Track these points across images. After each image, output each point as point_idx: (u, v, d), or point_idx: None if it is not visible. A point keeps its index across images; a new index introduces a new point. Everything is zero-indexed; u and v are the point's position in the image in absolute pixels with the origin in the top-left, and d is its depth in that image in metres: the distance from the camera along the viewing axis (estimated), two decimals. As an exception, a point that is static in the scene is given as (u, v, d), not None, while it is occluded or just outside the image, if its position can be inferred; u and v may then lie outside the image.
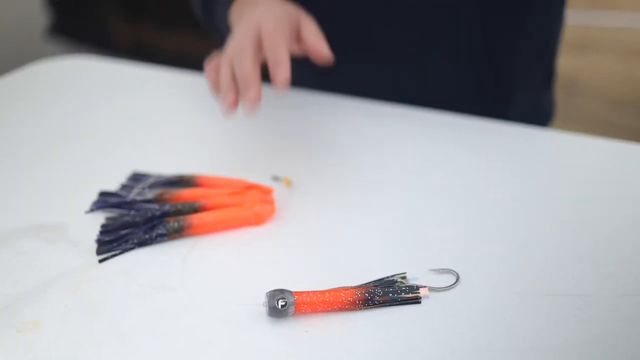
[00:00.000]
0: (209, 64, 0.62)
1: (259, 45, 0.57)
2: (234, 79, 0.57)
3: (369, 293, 0.46)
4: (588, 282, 0.47)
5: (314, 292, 0.45)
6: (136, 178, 0.62)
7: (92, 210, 0.57)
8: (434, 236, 0.54)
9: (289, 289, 0.45)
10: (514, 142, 0.69)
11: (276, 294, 0.45)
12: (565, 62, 3.40)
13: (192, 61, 1.17)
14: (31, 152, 0.70)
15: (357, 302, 0.46)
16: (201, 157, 0.67)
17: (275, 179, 0.62)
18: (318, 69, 0.69)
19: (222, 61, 0.59)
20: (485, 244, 0.52)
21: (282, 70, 0.55)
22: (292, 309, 0.45)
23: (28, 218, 0.57)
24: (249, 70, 0.55)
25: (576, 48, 3.81)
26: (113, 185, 0.62)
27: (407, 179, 0.63)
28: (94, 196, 0.60)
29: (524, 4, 0.77)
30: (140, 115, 0.79)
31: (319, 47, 0.59)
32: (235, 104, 0.56)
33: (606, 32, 4.09)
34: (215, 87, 0.61)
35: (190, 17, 1.04)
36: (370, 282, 0.48)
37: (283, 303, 0.44)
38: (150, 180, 0.61)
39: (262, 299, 0.46)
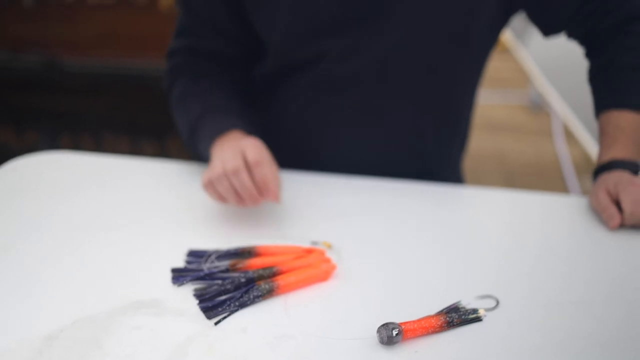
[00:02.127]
0: (205, 184, 0.77)
1: (248, 167, 0.75)
2: (236, 191, 0.75)
3: (450, 317, 0.60)
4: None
5: (414, 321, 0.59)
6: (195, 254, 0.71)
7: (181, 283, 0.65)
8: (458, 273, 0.70)
9: (391, 322, 0.58)
10: (461, 198, 0.89)
11: (389, 325, 0.57)
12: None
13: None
14: (81, 240, 0.75)
15: (443, 325, 0.60)
16: (236, 231, 0.77)
17: (315, 243, 0.74)
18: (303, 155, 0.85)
19: (215, 179, 0.75)
20: (495, 281, 0.70)
21: (270, 194, 0.75)
22: (401, 336, 0.57)
23: (120, 298, 0.63)
24: (248, 186, 0.74)
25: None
26: (170, 263, 0.69)
27: (412, 235, 0.79)
28: (162, 273, 0.67)
29: (460, 113, 1.00)
30: (154, 200, 0.86)
31: (276, 190, 0.76)
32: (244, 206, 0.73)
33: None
34: (221, 199, 0.77)
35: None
36: (444, 310, 0.62)
37: (397, 332, 0.57)
38: (213, 255, 0.70)
39: (370, 332, 0.58)
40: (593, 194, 0.87)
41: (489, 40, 0.96)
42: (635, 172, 0.86)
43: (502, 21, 0.95)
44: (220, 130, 0.85)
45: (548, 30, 0.98)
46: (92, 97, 5.82)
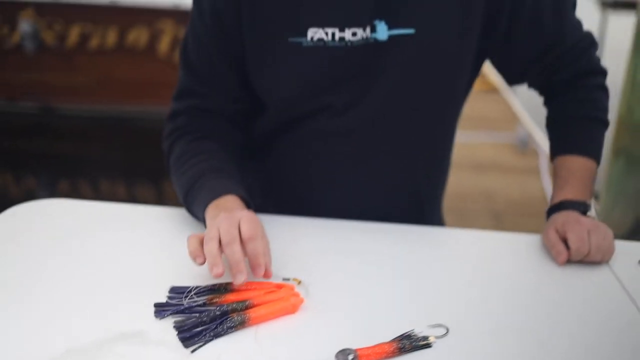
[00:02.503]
0: (192, 238, 0.81)
1: (242, 240, 0.79)
2: (219, 255, 0.77)
3: (402, 344, 0.68)
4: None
5: (368, 347, 0.66)
6: (177, 291, 0.78)
7: (163, 317, 0.73)
8: (416, 306, 0.78)
9: (348, 348, 0.66)
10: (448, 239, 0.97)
11: (346, 351, 0.65)
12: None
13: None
14: (74, 279, 0.82)
15: (395, 350, 0.67)
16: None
17: (286, 279, 0.82)
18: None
19: (207, 239, 0.79)
20: (449, 312, 0.77)
21: (259, 270, 0.79)
22: (357, 360, 0.65)
23: (109, 330, 0.71)
24: (240, 259, 0.77)
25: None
26: (155, 298, 0.77)
27: (379, 272, 0.87)
28: (144, 308, 0.75)
29: (444, 152, 1.11)
30: (142, 242, 0.94)
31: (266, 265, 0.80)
32: (221, 275, 0.76)
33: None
34: (194, 255, 0.79)
35: None
36: (397, 337, 0.70)
37: (352, 356, 0.65)
38: (192, 291, 0.77)
39: (331, 354, 0.66)
40: (544, 232, 0.95)
41: (467, 85, 1.07)
42: (584, 212, 0.95)
43: (476, 69, 1.06)
44: (215, 195, 0.90)
45: (511, 79, 1.09)
46: (89, 141, 5.95)
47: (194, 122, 1.02)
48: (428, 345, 0.69)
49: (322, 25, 0.94)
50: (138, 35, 5.82)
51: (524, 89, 1.13)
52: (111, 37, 5.89)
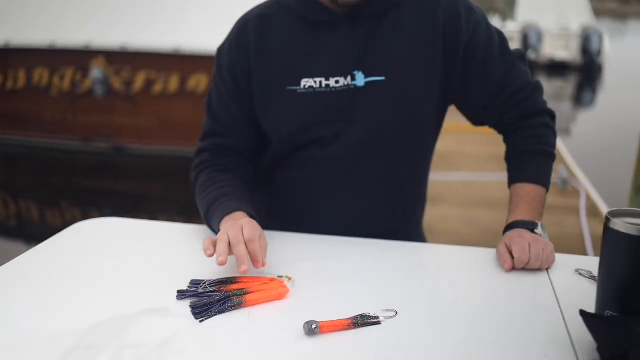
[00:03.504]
0: (207, 239, 1.06)
1: (245, 241, 1.04)
2: (227, 252, 1.02)
3: (356, 320, 0.90)
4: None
5: (329, 321, 0.89)
6: (195, 282, 1.03)
7: (183, 298, 0.97)
8: (377, 297, 0.99)
9: (314, 320, 0.88)
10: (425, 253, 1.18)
11: (311, 322, 0.87)
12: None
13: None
14: (121, 276, 1.08)
15: (350, 325, 0.89)
16: (228, 269, 1.09)
17: (280, 276, 1.05)
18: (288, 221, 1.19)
19: (219, 240, 1.04)
20: (402, 301, 0.99)
21: (257, 265, 1.03)
22: (318, 330, 0.87)
23: (141, 305, 0.96)
24: (244, 255, 1.02)
25: (428, 200, 4.57)
26: (178, 287, 1.01)
27: (353, 275, 1.09)
28: (170, 293, 0.99)
29: (418, 179, 1.34)
30: (174, 250, 1.20)
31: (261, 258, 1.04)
32: (223, 264, 1.00)
33: (450, 187, 4.94)
34: (206, 249, 1.04)
35: None
36: (354, 316, 0.92)
37: (315, 326, 0.87)
38: (206, 282, 1.02)
39: (301, 326, 0.88)
40: (497, 246, 1.16)
41: (436, 122, 1.31)
42: (532, 230, 1.15)
43: (442, 110, 1.30)
44: (228, 211, 1.16)
45: (471, 120, 1.31)
46: (151, 179, 6.36)
47: (216, 158, 1.30)
48: (378, 323, 0.91)
49: (312, 76, 1.20)
50: (198, 81, 6.26)
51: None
52: (173, 83, 6.34)
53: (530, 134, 1.25)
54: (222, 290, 1.00)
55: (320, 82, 1.20)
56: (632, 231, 0.83)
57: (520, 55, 1.28)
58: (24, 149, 6.84)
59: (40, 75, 6.62)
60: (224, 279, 1.03)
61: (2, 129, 6.80)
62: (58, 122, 6.70)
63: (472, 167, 5.36)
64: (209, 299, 0.96)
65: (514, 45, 11.14)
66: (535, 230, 1.15)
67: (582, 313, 0.83)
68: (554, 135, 1.28)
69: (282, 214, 1.33)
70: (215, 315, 0.94)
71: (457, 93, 1.27)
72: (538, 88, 1.27)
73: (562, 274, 1.09)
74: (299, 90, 1.21)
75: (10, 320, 0.93)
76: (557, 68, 15.43)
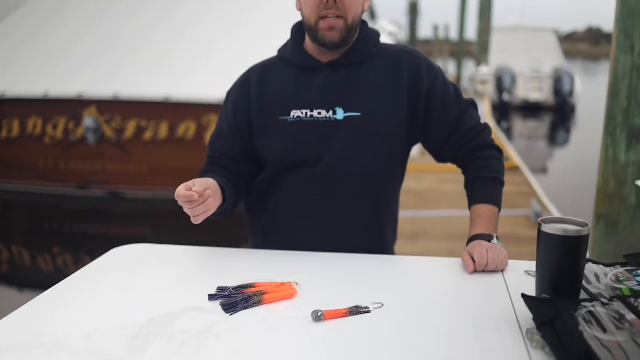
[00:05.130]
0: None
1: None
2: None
3: (351, 309, 1.16)
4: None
5: (331, 310, 1.14)
6: (221, 289, 1.28)
7: (214, 299, 1.23)
8: (369, 294, 1.25)
9: (319, 309, 1.14)
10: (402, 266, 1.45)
11: (317, 311, 1.13)
12: (404, 247, 4.38)
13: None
14: (163, 289, 1.33)
15: (347, 313, 1.15)
16: (250, 275, 1.34)
17: (289, 282, 1.31)
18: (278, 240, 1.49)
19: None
20: (387, 296, 1.25)
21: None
22: (323, 316, 1.13)
23: (178, 307, 1.21)
24: (183, 195, 1.32)
25: (410, 237, 4.86)
26: (208, 291, 1.26)
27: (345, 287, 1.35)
28: (202, 296, 1.24)
29: (388, 201, 1.60)
30: (204, 267, 1.45)
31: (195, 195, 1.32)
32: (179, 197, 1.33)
33: (432, 222, 5.22)
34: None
35: None
36: (350, 307, 1.17)
37: (320, 314, 1.13)
38: (231, 287, 1.27)
39: (309, 316, 1.14)
40: (462, 255, 1.43)
41: (402, 154, 1.60)
42: (489, 240, 1.42)
43: (408, 145, 1.60)
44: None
45: (434, 155, 1.61)
46: (142, 223, 6.56)
47: (211, 166, 1.62)
48: (368, 311, 1.17)
49: (300, 108, 1.53)
50: (187, 128, 6.53)
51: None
52: (163, 130, 6.60)
53: (483, 164, 1.55)
54: (244, 292, 1.25)
55: (306, 113, 1.52)
56: (557, 232, 1.11)
57: (471, 102, 1.60)
58: (18, 196, 7.02)
59: (34, 124, 6.85)
60: (244, 284, 1.29)
61: (-4, 177, 7.00)
62: (51, 169, 6.92)
63: (452, 204, 5.67)
64: (235, 299, 1.22)
65: (489, 87, 11.59)
66: (492, 241, 1.43)
67: (523, 295, 1.11)
68: (502, 166, 1.59)
69: (273, 234, 1.62)
70: (241, 310, 1.19)
71: (421, 133, 1.58)
72: (487, 128, 1.59)
73: (514, 274, 1.36)
74: (288, 120, 1.53)
75: (85, 317, 1.18)
76: (531, 109, 16.01)
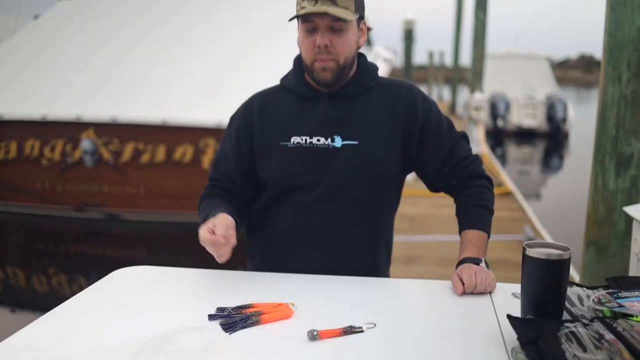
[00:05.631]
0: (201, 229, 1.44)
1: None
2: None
3: (345, 329, 1.21)
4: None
5: (326, 330, 1.20)
6: (220, 309, 1.33)
7: (213, 319, 1.28)
8: (363, 315, 1.31)
9: (315, 329, 1.19)
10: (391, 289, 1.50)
11: (312, 331, 1.18)
12: (398, 271, 4.43)
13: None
14: (165, 304, 1.38)
15: (341, 332, 1.21)
16: (248, 297, 1.40)
17: (285, 303, 1.36)
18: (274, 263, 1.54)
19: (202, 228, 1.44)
20: (379, 317, 1.30)
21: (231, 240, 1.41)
22: (318, 336, 1.18)
23: (179, 326, 1.26)
24: (207, 239, 1.42)
25: (405, 261, 4.90)
26: (209, 311, 1.31)
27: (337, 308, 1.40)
28: (202, 316, 1.29)
29: (383, 224, 1.67)
30: (202, 287, 1.50)
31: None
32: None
33: (427, 247, 5.27)
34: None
35: None
36: (344, 327, 1.23)
37: (316, 333, 1.18)
38: (230, 308, 1.32)
39: (305, 335, 1.19)
40: (452, 278, 1.48)
41: (396, 181, 1.67)
42: (477, 263, 1.48)
43: (402, 173, 1.67)
44: (215, 214, 1.51)
45: (427, 184, 1.68)
46: (138, 245, 6.59)
47: (213, 190, 1.68)
48: (361, 331, 1.22)
49: (300, 134, 1.60)
50: (184, 152, 6.59)
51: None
52: (160, 153, 6.66)
53: (474, 193, 1.62)
54: (242, 312, 1.31)
55: (306, 140, 1.59)
56: (541, 256, 1.17)
57: (463, 135, 1.69)
58: (15, 217, 7.05)
59: (32, 146, 6.90)
60: (242, 305, 1.34)
61: (-7, 198, 7.03)
62: (48, 190, 6.95)
63: (446, 229, 5.73)
64: (234, 319, 1.27)
65: (483, 113, 11.70)
66: (480, 264, 1.49)
67: (508, 316, 1.16)
68: (492, 195, 1.66)
69: (272, 256, 1.68)
70: (240, 329, 1.24)
71: (415, 162, 1.65)
72: (478, 158, 1.67)
73: (501, 296, 1.42)
74: (288, 145, 1.60)
75: (88, 335, 1.23)
76: (525, 135, 16.17)
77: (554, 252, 1.19)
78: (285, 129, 1.62)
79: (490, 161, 9.65)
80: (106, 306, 1.39)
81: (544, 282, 1.18)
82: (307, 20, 1.53)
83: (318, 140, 1.58)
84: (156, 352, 1.14)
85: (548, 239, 5.30)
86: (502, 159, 12.54)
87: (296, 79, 1.66)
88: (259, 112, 1.66)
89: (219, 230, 1.41)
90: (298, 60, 1.66)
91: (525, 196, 7.52)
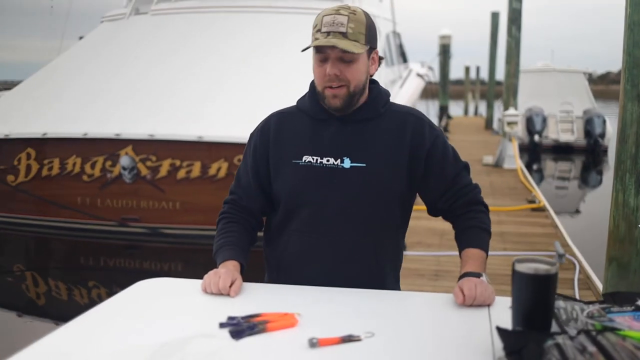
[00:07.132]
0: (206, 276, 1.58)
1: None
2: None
3: (344, 338, 1.30)
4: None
5: (326, 337, 1.28)
6: (231, 318, 1.43)
7: (224, 327, 1.38)
8: (363, 324, 1.39)
9: (315, 336, 1.28)
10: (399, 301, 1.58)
11: (313, 339, 1.27)
12: (426, 286, 4.46)
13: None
14: (185, 311, 1.48)
15: (340, 341, 1.29)
16: (257, 306, 1.49)
17: (291, 312, 1.45)
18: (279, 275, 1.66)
19: (207, 277, 1.57)
20: (378, 327, 1.38)
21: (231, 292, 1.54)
22: (318, 343, 1.27)
23: (191, 333, 1.36)
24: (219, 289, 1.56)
25: (433, 276, 4.93)
26: (219, 320, 1.41)
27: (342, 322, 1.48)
28: (214, 325, 1.39)
29: (395, 241, 1.75)
30: (217, 299, 1.60)
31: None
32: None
33: (455, 262, 5.28)
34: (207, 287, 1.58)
35: None
36: (343, 335, 1.31)
37: (315, 341, 1.27)
38: (240, 317, 1.42)
39: (306, 340, 1.28)
40: (453, 290, 1.55)
41: (402, 203, 1.75)
42: (478, 277, 1.55)
43: (409, 196, 1.75)
44: (225, 259, 1.67)
45: (429, 208, 1.78)
46: (175, 259, 6.76)
47: (232, 210, 1.80)
48: (359, 340, 1.30)
49: (311, 154, 1.70)
50: (219, 167, 6.76)
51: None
52: (196, 169, 6.84)
53: (474, 216, 1.73)
54: (251, 321, 1.40)
55: (317, 159, 1.70)
56: (529, 271, 1.24)
57: (466, 165, 1.80)
58: (57, 230, 7.31)
59: (74, 163, 7.16)
60: (251, 314, 1.44)
61: (36, 213, 7.30)
62: (89, 206, 7.19)
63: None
64: (242, 326, 1.37)
65: (517, 129, 11.58)
66: (481, 278, 1.56)
67: (497, 328, 1.23)
68: (488, 219, 1.77)
69: (285, 269, 1.78)
70: (248, 336, 1.34)
71: (420, 185, 1.75)
72: (477, 187, 1.79)
73: (499, 308, 1.48)
74: (300, 163, 1.71)
75: (106, 342, 1.34)
76: (562, 150, 15.96)
77: (542, 267, 1.25)
78: (299, 147, 1.73)
79: (525, 176, 9.58)
80: (126, 314, 1.51)
81: (532, 296, 1.25)
82: (319, 51, 1.65)
83: (328, 160, 1.68)
84: (169, 356, 1.25)
85: (578, 255, 5.27)
86: (539, 175, 12.42)
87: (311, 101, 1.77)
88: (275, 130, 1.77)
89: (222, 284, 1.58)
90: (313, 85, 1.77)
91: (563, 212, 7.45)
